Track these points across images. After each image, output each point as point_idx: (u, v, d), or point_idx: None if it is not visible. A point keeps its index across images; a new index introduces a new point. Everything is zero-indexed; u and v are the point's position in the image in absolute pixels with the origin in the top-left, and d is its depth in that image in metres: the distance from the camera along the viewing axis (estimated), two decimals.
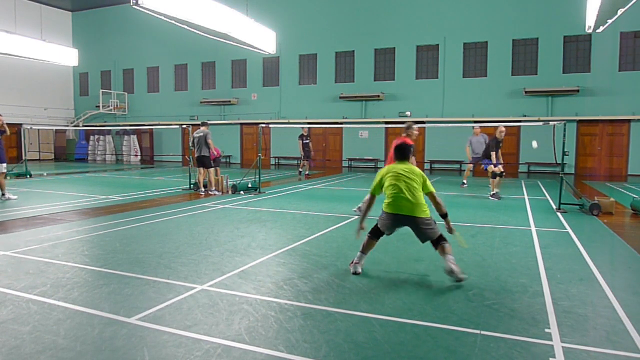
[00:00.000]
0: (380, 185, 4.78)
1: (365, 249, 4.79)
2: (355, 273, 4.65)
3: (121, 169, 21.12)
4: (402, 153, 4.88)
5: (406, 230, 5.95)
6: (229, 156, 25.09)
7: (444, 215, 4.67)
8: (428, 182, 4.67)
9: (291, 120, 23.64)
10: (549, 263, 5.13)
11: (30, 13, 26.87)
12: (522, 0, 19.92)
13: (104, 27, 29.49)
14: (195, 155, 11.45)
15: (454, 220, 5.35)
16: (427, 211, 4.57)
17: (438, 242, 4.58)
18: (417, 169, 4.75)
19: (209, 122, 12.31)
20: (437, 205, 4.65)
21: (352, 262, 4.77)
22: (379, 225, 4.77)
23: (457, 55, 21.13)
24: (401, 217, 4.60)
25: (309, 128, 17.11)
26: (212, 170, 11.50)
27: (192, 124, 13.87)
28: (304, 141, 16.32)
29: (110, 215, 8.12)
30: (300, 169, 17.00)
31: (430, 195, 4.67)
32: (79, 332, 3.22)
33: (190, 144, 11.71)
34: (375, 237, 4.81)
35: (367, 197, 4.93)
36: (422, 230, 4.57)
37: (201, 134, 11.35)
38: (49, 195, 10.89)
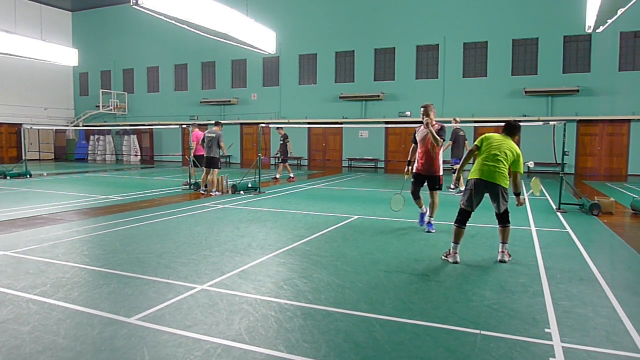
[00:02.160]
0: (479, 144, 5.33)
1: (457, 239, 5.21)
2: (455, 262, 5.12)
3: (121, 169, 21.12)
4: (509, 129, 5.40)
5: (406, 230, 5.96)
6: (229, 156, 25.10)
7: (517, 194, 5.34)
8: (520, 162, 5.23)
9: (291, 120, 23.64)
10: (549, 263, 5.13)
11: (30, 13, 26.86)
12: (522, 0, 19.92)
13: (104, 27, 29.48)
14: (205, 155, 11.44)
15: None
16: (507, 182, 5.18)
17: (504, 220, 5.25)
18: (516, 148, 5.29)
19: (222, 122, 12.20)
20: (515, 184, 5.28)
21: (449, 254, 5.21)
22: (462, 206, 5.25)
23: (457, 55, 21.13)
24: (484, 183, 5.13)
25: (283, 127, 15.82)
26: (216, 171, 11.47)
27: (192, 124, 13.83)
28: (280, 142, 15.28)
29: (110, 215, 8.12)
30: (278, 175, 15.41)
31: (514, 174, 5.26)
32: (79, 332, 3.22)
33: (201, 142, 11.72)
34: (462, 225, 5.25)
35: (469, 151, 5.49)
36: (500, 198, 5.15)
37: (213, 135, 11.32)
38: (49, 195, 10.88)
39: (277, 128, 15.62)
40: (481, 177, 5.13)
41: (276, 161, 15.38)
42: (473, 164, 5.40)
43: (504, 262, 5.14)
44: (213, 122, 12.04)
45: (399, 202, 7.14)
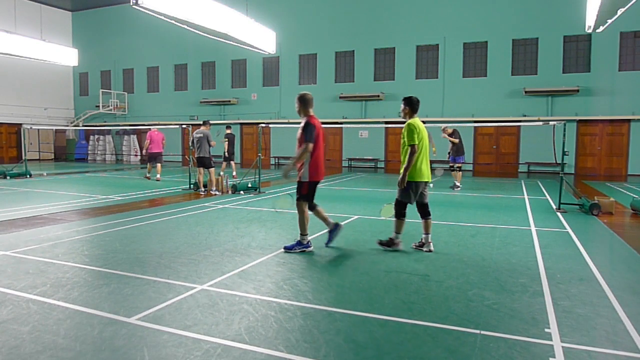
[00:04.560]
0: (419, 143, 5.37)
1: (400, 229, 5.52)
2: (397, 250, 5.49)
3: (121, 169, 21.12)
4: (416, 107, 5.72)
5: (405, 230, 5.96)
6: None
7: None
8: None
9: (291, 120, 23.63)
10: (549, 263, 5.13)
11: (30, 13, 26.86)
12: (522, 0, 19.92)
13: (104, 27, 29.48)
14: (195, 156, 11.42)
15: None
16: None
17: (427, 213, 5.50)
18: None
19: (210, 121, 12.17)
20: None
21: (393, 243, 5.51)
22: (404, 201, 5.45)
23: (457, 55, 21.13)
24: (425, 182, 5.47)
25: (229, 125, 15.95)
26: (212, 170, 11.47)
27: (192, 124, 13.83)
28: (224, 140, 14.99)
29: (110, 215, 8.12)
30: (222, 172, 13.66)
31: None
32: (79, 332, 3.22)
33: (190, 144, 11.67)
34: (404, 216, 5.54)
35: (413, 153, 5.37)
36: (426, 188, 5.52)
37: (201, 135, 11.30)
38: (49, 195, 10.88)
39: (227, 127, 15.66)
40: (423, 179, 5.45)
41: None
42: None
43: (432, 251, 5.49)
44: (211, 122, 11.96)
45: (285, 203, 6.61)
